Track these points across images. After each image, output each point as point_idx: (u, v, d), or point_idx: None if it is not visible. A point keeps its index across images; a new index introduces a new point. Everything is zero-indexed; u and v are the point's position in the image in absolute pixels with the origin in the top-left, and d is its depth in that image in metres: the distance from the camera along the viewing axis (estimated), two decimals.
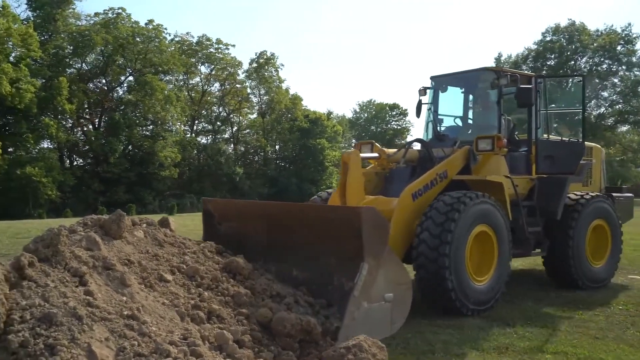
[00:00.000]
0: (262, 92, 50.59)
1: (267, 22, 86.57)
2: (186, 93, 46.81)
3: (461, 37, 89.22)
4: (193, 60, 46.56)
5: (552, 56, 46.96)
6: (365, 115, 75.05)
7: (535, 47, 47.96)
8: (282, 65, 59.45)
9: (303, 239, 5.21)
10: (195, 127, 48.96)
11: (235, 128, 50.98)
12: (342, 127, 56.90)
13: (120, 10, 39.87)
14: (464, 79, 8.43)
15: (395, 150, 7.87)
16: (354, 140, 61.00)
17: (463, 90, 8.57)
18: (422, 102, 8.56)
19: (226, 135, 50.69)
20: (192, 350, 3.49)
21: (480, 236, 6.49)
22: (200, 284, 4.58)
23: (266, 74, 49.59)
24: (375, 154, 7.70)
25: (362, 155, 7.15)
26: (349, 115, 74.19)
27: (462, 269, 6.19)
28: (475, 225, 6.38)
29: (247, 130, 52.14)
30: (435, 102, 8.49)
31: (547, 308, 6.75)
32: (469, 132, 8.11)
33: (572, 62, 46.18)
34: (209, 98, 49.19)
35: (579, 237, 7.67)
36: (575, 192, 8.07)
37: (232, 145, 50.12)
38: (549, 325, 5.91)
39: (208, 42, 46.64)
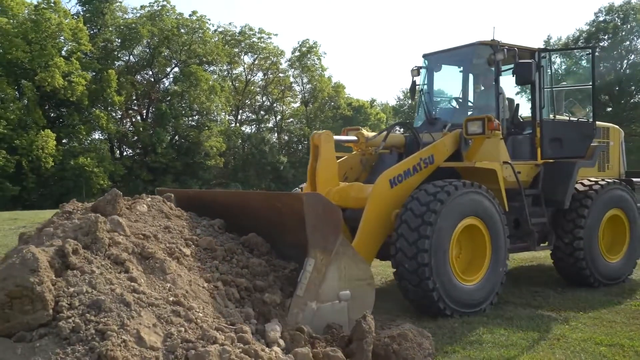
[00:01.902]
0: (305, 80, 50.59)
1: (310, 10, 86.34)
2: (230, 83, 47.31)
3: (510, 19, 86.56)
4: (236, 50, 46.94)
5: (606, 37, 44.95)
6: (410, 102, 74.15)
7: (587, 27, 46.02)
8: (325, 53, 59.39)
9: (249, 230, 4.78)
10: (239, 117, 49.49)
11: (278, 117, 51.24)
12: (386, 114, 56.35)
13: (165, 3, 40.54)
14: (458, 56, 7.60)
15: (375, 133, 7.15)
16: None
17: (460, 68, 7.79)
18: (416, 83, 7.83)
19: (270, 125, 51.03)
20: (240, 337, 3.48)
21: (469, 230, 5.85)
22: (225, 259, 4.43)
23: (309, 62, 49.52)
24: (352, 137, 6.92)
25: (336, 137, 6.45)
26: (393, 102, 73.46)
27: (446, 267, 5.53)
28: (462, 217, 5.71)
29: (291, 119, 52.32)
30: (430, 82, 7.77)
31: (601, 297, 6.47)
32: (469, 114, 7.32)
33: (627, 43, 44.10)
34: (252, 88, 49.56)
35: (591, 229, 6.92)
36: (587, 179, 7.31)
37: (275, 134, 50.43)
38: (603, 316, 5.65)
39: (251, 32, 46.91)
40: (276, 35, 68.53)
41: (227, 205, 5.19)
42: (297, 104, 51.62)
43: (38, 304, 3.05)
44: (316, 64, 50.00)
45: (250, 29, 46.91)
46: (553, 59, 7.39)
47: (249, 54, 48.12)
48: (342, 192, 6.20)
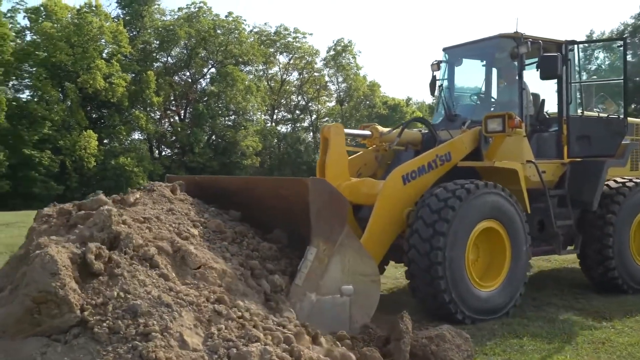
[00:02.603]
0: (340, 79, 50.53)
1: (345, 9, 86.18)
2: (266, 83, 47.64)
3: (552, 13, 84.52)
4: (272, 50, 47.23)
5: None
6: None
7: (633, 21, 44.51)
8: (360, 52, 59.15)
9: (255, 216, 4.62)
10: (275, 116, 49.80)
11: (314, 116, 51.33)
12: (422, 113, 55.80)
13: (201, 4, 41.11)
14: (480, 49, 7.32)
15: (390, 129, 6.81)
16: None
17: (481, 62, 7.49)
18: (437, 78, 7.54)
19: (305, 124, 51.15)
20: (286, 338, 3.42)
21: (487, 234, 5.60)
22: (235, 241, 4.31)
23: (344, 61, 49.44)
24: (366, 132, 6.64)
25: (348, 131, 6.25)
26: (429, 100, 72.67)
27: (461, 271, 5.29)
28: (479, 220, 5.46)
29: (326, 118, 52.35)
30: (450, 77, 7.46)
31: None
32: (491, 110, 6.97)
33: None
34: (287, 87, 49.79)
35: (620, 232, 6.58)
36: (617, 179, 6.92)
37: (311, 134, 50.53)
38: None
39: (286, 32, 47.12)
40: (311, 34, 68.73)
41: (233, 191, 5.02)
42: (333, 103, 51.65)
43: (64, 307, 3.00)
44: (351, 63, 49.89)
45: (286, 29, 47.16)
46: (595, 54, 7.14)
47: (284, 53, 48.39)
48: (353, 187, 5.99)
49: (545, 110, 7.02)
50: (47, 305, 2.98)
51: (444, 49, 7.58)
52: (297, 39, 47.44)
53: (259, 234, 4.55)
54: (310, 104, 50.99)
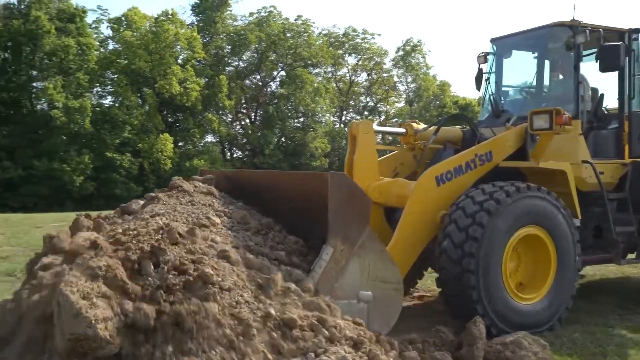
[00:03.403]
0: (409, 79, 49.93)
1: (414, 8, 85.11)
2: (334, 84, 47.85)
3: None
4: (340, 51, 47.38)
5: None
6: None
7: None
8: (429, 51, 58.34)
9: (280, 212, 4.37)
10: (343, 118, 49.89)
11: (382, 117, 50.96)
12: None
13: (272, 9, 41.91)
14: (531, 40, 6.76)
15: (426, 126, 6.32)
16: None
17: (533, 53, 6.94)
18: (483, 71, 7.01)
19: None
20: (360, 341, 3.37)
21: (530, 241, 5.09)
22: (260, 232, 4.12)
23: (413, 61, 48.83)
24: (400, 129, 6.25)
25: (381, 128, 5.81)
26: None
27: (496, 280, 4.79)
28: (519, 225, 4.94)
29: (395, 119, 51.81)
30: (498, 70, 6.96)
31: None
32: (544, 105, 6.42)
33: None
34: (356, 88, 49.77)
35: None
36: None
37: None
38: None
39: (354, 33, 47.10)
40: (379, 35, 68.28)
41: (261, 185, 4.87)
42: (402, 104, 51.09)
43: (100, 342, 2.85)
44: (420, 63, 49.17)
45: (354, 30, 47.14)
46: None
47: (353, 54, 48.40)
48: (383, 188, 5.57)
49: (604, 105, 6.53)
50: (85, 342, 2.84)
51: (492, 40, 7.11)
52: (365, 40, 47.33)
53: (286, 229, 4.34)
54: (379, 105, 50.71)
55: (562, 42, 6.18)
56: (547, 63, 6.87)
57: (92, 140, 31.14)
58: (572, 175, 5.47)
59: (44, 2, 30.27)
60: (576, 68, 6.00)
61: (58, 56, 30.23)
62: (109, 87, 34.85)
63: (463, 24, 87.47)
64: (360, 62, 48.68)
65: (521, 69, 7.13)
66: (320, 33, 46.16)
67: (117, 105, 33.43)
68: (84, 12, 32.41)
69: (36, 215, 16.86)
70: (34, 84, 31.25)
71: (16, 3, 30.71)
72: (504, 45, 7.01)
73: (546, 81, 6.91)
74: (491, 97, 6.83)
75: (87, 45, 31.52)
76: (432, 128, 6.14)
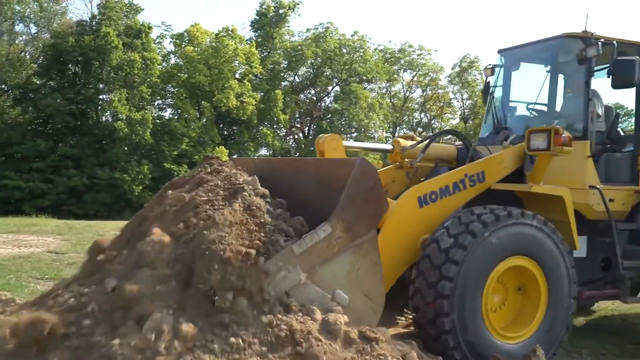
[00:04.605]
0: (465, 96, 49.24)
1: (471, 25, 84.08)
2: (388, 100, 47.76)
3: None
4: (395, 67, 47.30)
5: None
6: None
7: None
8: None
9: (302, 197, 4.10)
10: (396, 134, 49.64)
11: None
12: None
13: (328, 25, 42.39)
14: (540, 51, 6.27)
15: (414, 142, 5.76)
16: None
17: (542, 67, 6.42)
18: (491, 84, 6.59)
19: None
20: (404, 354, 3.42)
21: (517, 273, 4.59)
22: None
23: (469, 77, 48.16)
24: (387, 146, 5.75)
25: (366, 144, 5.14)
26: None
27: (475, 319, 4.27)
28: (504, 256, 4.42)
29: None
30: (506, 83, 6.49)
31: None
32: (555, 123, 5.68)
33: None
34: (410, 104, 49.49)
35: None
36: None
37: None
38: None
39: (410, 49, 46.94)
40: (436, 51, 67.71)
41: (284, 171, 4.67)
42: (456, 121, 50.36)
43: None
44: (477, 79, 48.43)
45: (410, 46, 46.97)
46: None
47: (408, 70, 48.22)
48: None
49: (620, 126, 6.04)
50: None
51: (499, 51, 6.67)
52: (421, 56, 47.06)
53: (298, 212, 4.08)
54: (433, 121, 50.18)
55: (573, 54, 5.65)
56: (556, 77, 6.46)
57: (151, 151, 32.27)
58: (571, 201, 4.96)
59: (113, 19, 31.77)
60: (587, 84, 5.51)
61: (124, 70, 31.61)
62: (169, 100, 36.12)
63: (520, 39, 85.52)
64: (415, 78, 48.44)
65: (529, 82, 6.63)
66: (376, 49, 46.32)
67: (176, 117, 34.53)
68: (150, 28, 33.80)
69: (98, 223, 17.54)
70: (101, 97, 32.78)
71: (88, 20, 32.41)
72: (512, 57, 6.61)
73: (555, 97, 6.47)
74: (494, 113, 6.40)
75: (151, 60, 32.82)
76: (420, 145, 5.64)
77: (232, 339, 3.06)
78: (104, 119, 33.15)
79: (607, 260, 5.45)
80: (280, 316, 3.23)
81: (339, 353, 3.13)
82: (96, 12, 32.34)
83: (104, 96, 32.82)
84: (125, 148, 31.88)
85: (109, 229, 14.21)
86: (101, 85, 32.51)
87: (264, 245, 3.48)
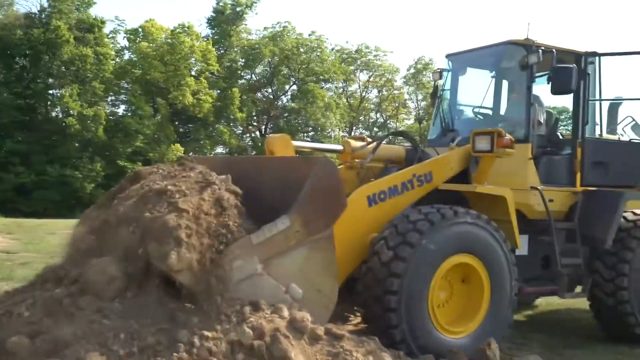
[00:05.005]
0: (420, 97, 50.20)
1: (426, 27, 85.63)
2: (345, 100, 48.17)
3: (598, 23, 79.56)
4: (352, 67, 47.75)
5: None
6: None
7: None
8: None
9: (264, 197, 4.10)
10: (352, 133, 50.09)
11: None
12: None
13: (286, 24, 42.39)
14: (485, 57, 6.52)
15: (364, 143, 5.90)
16: None
17: (487, 72, 6.69)
18: (439, 88, 6.82)
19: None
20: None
21: (463, 270, 4.79)
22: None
23: (424, 79, 49.12)
24: (337, 146, 5.89)
25: (316, 145, 5.36)
26: None
27: (421, 314, 4.40)
28: (449, 254, 4.58)
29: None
30: (453, 87, 6.74)
31: None
32: (499, 127, 5.86)
33: None
34: (366, 104, 50.07)
35: (637, 276, 5.71)
36: (636, 210, 6.01)
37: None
38: None
39: (367, 50, 47.50)
40: (392, 52, 68.73)
41: (246, 170, 4.62)
42: (411, 121, 51.27)
43: None
44: (432, 81, 49.40)
45: (367, 47, 47.49)
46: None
47: (365, 71, 48.76)
48: None
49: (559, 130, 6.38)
50: None
51: (447, 56, 6.90)
52: (377, 57, 47.68)
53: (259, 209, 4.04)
54: (388, 122, 50.91)
55: (516, 61, 5.91)
56: (500, 82, 6.67)
57: (104, 149, 31.50)
58: (513, 201, 5.21)
59: (64, 12, 30.81)
60: (529, 89, 5.79)
61: (75, 65, 30.73)
62: (123, 96, 35.32)
63: (475, 43, 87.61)
64: (371, 79, 49.03)
65: (475, 87, 6.85)
66: (333, 49, 46.62)
67: (130, 114, 33.83)
68: (103, 22, 32.97)
69: (48, 222, 17.12)
70: (51, 92, 31.77)
71: (37, 13, 31.35)
72: (459, 62, 6.82)
73: (499, 101, 6.70)
74: (441, 115, 6.62)
75: (104, 55, 32.02)
76: (370, 146, 5.79)
77: (196, 340, 3.10)
78: (54, 114, 32.13)
79: (546, 258, 5.72)
80: (249, 314, 3.30)
81: (306, 349, 3.25)
82: (46, 5, 31.27)
83: (54, 91, 31.81)
84: (77, 144, 31.02)
85: (61, 227, 13.92)
86: (51, 80, 31.49)
87: (225, 238, 3.52)
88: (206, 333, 3.10)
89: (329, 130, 44.72)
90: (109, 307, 3.28)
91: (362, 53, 47.54)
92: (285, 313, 3.40)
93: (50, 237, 12.22)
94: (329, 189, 3.74)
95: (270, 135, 5.61)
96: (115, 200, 3.99)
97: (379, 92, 49.88)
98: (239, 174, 4.46)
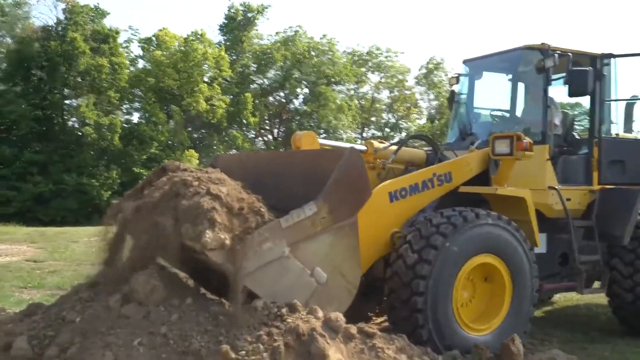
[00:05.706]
0: (432, 97, 50.16)
1: (437, 27, 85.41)
2: (356, 101, 48.24)
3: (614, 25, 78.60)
4: (363, 69, 47.84)
5: None
6: None
7: None
8: (452, 69, 58.46)
9: (291, 190, 4.22)
10: (364, 134, 50.18)
11: (404, 134, 51.18)
12: None
13: (297, 28, 42.64)
14: (502, 62, 6.73)
15: (387, 144, 6.15)
16: None
17: (504, 76, 6.90)
18: (456, 92, 7.02)
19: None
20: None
21: (485, 270, 4.97)
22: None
23: (435, 79, 49.09)
24: (360, 147, 6.03)
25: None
26: None
27: (447, 314, 4.59)
28: (472, 254, 4.76)
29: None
30: (470, 92, 6.93)
31: None
32: (515, 129, 6.20)
33: None
34: (378, 105, 50.11)
35: None
36: None
37: None
38: None
39: (378, 51, 47.58)
40: (403, 53, 68.59)
41: (269, 165, 4.83)
42: (423, 121, 51.21)
43: None
44: (443, 80, 49.35)
45: (378, 49, 47.57)
46: None
47: (376, 72, 48.80)
48: None
49: (575, 130, 6.56)
50: None
51: (464, 61, 7.11)
52: (388, 58, 47.73)
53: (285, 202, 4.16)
54: (400, 122, 50.89)
55: (532, 65, 6.09)
56: (517, 86, 6.88)
57: (119, 156, 31.91)
58: (532, 202, 5.37)
59: (80, 24, 31.28)
60: (545, 92, 5.97)
61: (91, 75, 31.18)
62: (137, 104, 35.74)
63: (485, 43, 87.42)
64: (383, 80, 49.06)
65: (492, 91, 7.12)
66: (344, 51, 46.77)
67: (144, 122, 34.23)
68: (117, 33, 33.42)
69: (69, 230, 17.42)
70: (67, 102, 32.27)
71: (54, 25, 31.85)
72: (476, 67, 7.01)
73: (516, 104, 6.89)
74: (459, 119, 6.83)
75: (119, 65, 32.46)
76: (392, 147, 5.98)
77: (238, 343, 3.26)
78: (70, 124, 32.62)
79: (564, 255, 5.91)
80: (285, 315, 3.47)
81: (341, 347, 3.40)
82: (62, 17, 31.77)
83: (71, 101, 32.31)
84: (93, 153, 31.45)
85: (82, 235, 14.20)
86: (67, 91, 31.95)
87: (256, 221, 3.68)
88: (247, 337, 3.26)
89: (341, 131, 44.83)
90: (155, 312, 3.46)
91: (373, 55, 47.60)
92: (320, 313, 3.55)
93: (73, 245, 12.46)
94: (355, 178, 3.89)
95: (297, 132, 5.86)
96: (146, 191, 4.15)
97: (390, 92, 49.89)
98: (269, 168, 4.67)
